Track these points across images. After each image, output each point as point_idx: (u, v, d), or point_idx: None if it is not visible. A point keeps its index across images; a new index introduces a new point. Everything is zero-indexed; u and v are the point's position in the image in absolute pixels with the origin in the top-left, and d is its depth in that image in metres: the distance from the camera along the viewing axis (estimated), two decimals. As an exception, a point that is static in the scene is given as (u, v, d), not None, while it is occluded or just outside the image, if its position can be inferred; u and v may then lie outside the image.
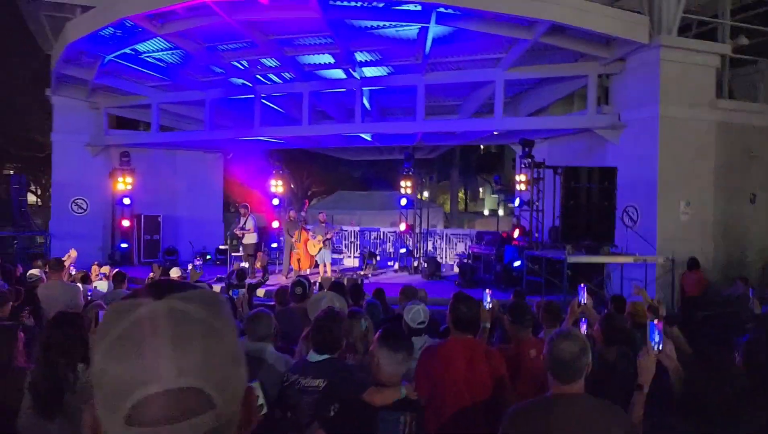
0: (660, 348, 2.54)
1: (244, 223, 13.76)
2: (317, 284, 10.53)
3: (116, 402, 0.72)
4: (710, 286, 10.59)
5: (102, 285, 8.92)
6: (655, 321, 2.56)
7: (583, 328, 4.02)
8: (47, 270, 7.11)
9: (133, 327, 0.74)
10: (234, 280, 8.58)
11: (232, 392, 0.78)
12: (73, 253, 8.80)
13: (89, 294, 7.61)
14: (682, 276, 10.94)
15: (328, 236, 13.80)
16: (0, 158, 28.60)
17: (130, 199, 15.68)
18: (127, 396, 0.71)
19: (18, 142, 24.95)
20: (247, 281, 8.35)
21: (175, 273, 9.17)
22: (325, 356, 3.11)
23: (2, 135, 24.47)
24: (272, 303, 6.89)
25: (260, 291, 10.80)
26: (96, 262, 11.54)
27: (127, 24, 11.32)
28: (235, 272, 8.73)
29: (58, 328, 2.77)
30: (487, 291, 4.16)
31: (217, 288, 10.29)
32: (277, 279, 12.97)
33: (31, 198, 31.58)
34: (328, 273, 13.40)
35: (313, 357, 3.14)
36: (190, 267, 9.78)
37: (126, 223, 15.81)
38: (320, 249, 13.72)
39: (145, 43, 12.43)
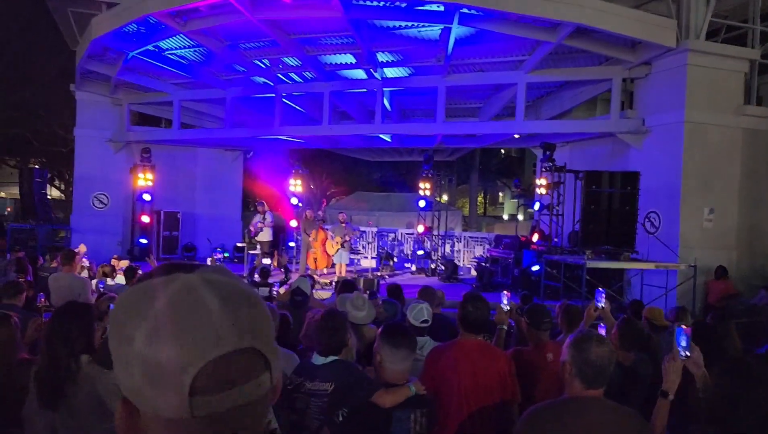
0: (688, 354, 2.44)
1: (263, 219, 13.82)
2: (334, 283, 10.52)
3: (175, 378, 0.68)
4: (734, 295, 10.37)
5: (122, 279, 8.97)
6: (683, 326, 2.46)
7: (602, 333, 3.91)
8: (56, 263, 7.16)
9: (176, 300, 0.71)
10: (257, 278, 8.54)
11: (277, 355, 0.78)
12: (83, 248, 8.85)
13: (101, 287, 7.65)
14: (708, 284, 10.74)
15: (347, 238, 13.77)
16: (24, 152, 29.06)
17: (151, 195, 15.79)
18: (187, 367, 0.68)
19: (42, 137, 25.34)
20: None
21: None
22: (331, 358, 3.00)
23: (28, 129, 24.89)
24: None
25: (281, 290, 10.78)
26: (115, 256, 11.63)
27: (151, 21, 11.41)
28: (258, 269, 8.65)
29: (62, 318, 2.75)
30: (505, 292, 4.08)
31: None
32: (294, 278, 12.95)
33: (56, 192, 32.07)
34: (344, 274, 13.37)
35: (318, 359, 3.02)
36: (209, 261, 9.80)
37: (146, 219, 15.91)
38: (338, 249, 13.70)
39: (168, 40, 12.53)
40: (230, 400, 0.70)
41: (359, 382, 2.91)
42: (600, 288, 4.22)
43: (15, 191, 29.38)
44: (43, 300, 5.54)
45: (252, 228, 14.03)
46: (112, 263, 10.68)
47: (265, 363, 0.74)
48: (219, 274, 0.77)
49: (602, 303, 4.01)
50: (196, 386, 0.68)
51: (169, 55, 13.57)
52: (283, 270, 13.76)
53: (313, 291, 6.02)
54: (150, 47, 12.82)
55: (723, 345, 3.66)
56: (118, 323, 0.73)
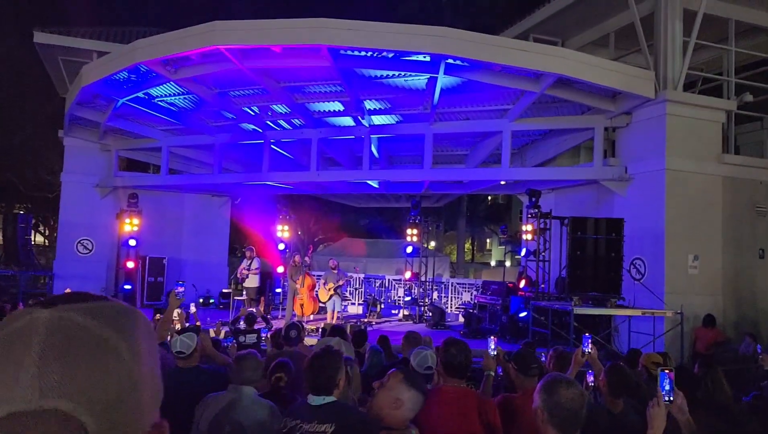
0: (671, 399, 2.43)
1: (250, 265, 13.74)
2: (321, 330, 10.39)
3: None
4: (723, 343, 10.40)
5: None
6: (666, 371, 2.45)
7: (590, 379, 3.89)
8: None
9: (3, 339, 0.63)
10: (242, 326, 8.41)
11: (121, 422, 0.65)
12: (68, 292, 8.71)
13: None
14: (696, 331, 10.76)
15: (340, 283, 13.70)
16: (10, 197, 28.89)
17: (136, 240, 15.67)
18: None
19: (29, 182, 25.26)
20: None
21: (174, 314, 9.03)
22: (329, 399, 2.93)
23: (14, 175, 24.82)
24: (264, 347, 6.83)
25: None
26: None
27: (142, 69, 11.56)
28: (243, 317, 8.52)
29: None
30: (492, 337, 4.06)
31: (221, 333, 10.12)
32: (280, 325, 12.79)
33: (39, 238, 31.76)
34: (334, 320, 13.23)
35: (315, 400, 2.93)
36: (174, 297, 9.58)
37: (131, 265, 15.74)
38: (331, 296, 13.57)
39: (158, 88, 12.67)
40: None
41: (360, 424, 2.85)
42: (586, 334, 4.22)
43: (-2, 236, 29.04)
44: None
45: (239, 274, 13.92)
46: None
47: (80, 431, 0.62)
48: (90, 315, 0.67)
49: (588, 348, 4.00)
50: None
51: (159, 102, 13.71)
52: (263, 319, 13.49)
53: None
54: (140, 94, 12.96)
55: (714, 391, 3.64)
56: None
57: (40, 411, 0.60)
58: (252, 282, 13.81)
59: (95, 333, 0.66)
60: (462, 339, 3.44)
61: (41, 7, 24.69)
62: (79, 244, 16.07)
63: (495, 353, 4.01)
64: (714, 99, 11.85)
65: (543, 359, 5.63)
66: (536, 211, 12.57)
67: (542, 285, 12.50)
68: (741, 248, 11.57)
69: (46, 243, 32.56)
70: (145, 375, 0.69)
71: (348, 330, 10.19)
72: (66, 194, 16.41)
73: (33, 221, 19.93)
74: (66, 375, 0.62)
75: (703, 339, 10.56)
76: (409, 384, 2.76)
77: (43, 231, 32.89)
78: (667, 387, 2.44)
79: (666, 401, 2.42)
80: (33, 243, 18.85)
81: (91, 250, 16.15)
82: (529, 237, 13.04)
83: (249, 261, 13.81)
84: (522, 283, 13.38)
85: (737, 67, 12.60)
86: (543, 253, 12.53)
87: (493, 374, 3.96)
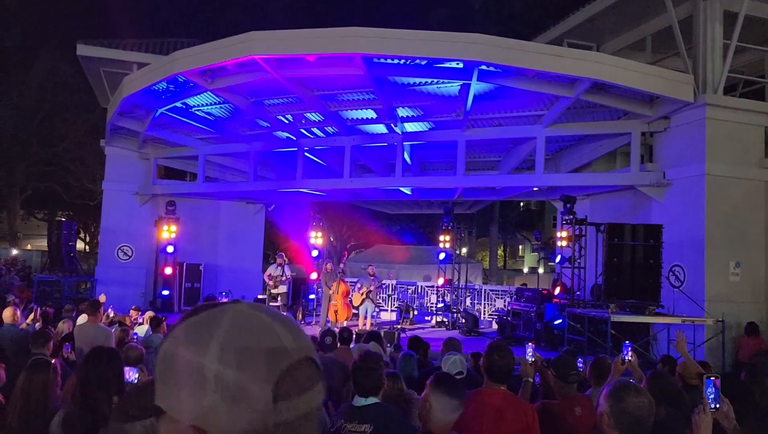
0: (718, 406, 2.39)
1: (283, 271, 13.91)
2: (354, 335, 10.45)
3: (259, 389, 0.72)
4: (766, 352, 10.09)
5: (141, 330, 9.01)
6: (713, 378, 2.42)
7: (631, 387, 3.83)
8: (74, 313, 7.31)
9: (238, 322, 0.77)
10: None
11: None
12: (102, 298, 8.99)
13: (135, 337, 7.73)
14: (739, 340, 10.47)
15: (371, 288, 13.77)
16: (53, 205, 29.82)
17: (174, 247, 16.00)
18: (269, 377, 0.73)
19: (71, 191, 26.06)
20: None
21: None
22: (371, 400, 3.08)
23: (58, 183, 25.67)
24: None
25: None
26: (134, 307, 11.70)
27: (180, 79, 11.84)
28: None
29: (95, 363, 2.80)
30: (530, 344, 4.04)
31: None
32: (315, 331, 12.91)
33: (80, 245, 32.63)
34: (367, 326, 13.29)
35: (359, 401, 3.10)
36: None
37: (169, 271, 16.08)
38: (363, 300, 13.67)
39: (195, 98, 12.96)
40: (305, 405, 0.75)
41: (398, 425, 2.93)
42: (626, 342, 4.17)
43: (40, 243, 29.99)
44: (70, 350, 5.62)
45: (266, 279, 14.16)
46: (131, 313, 10.76)
47: (320, 373, 0.78)
48: (256, 305, 0.83)
49: (629, 356, 3.95)
50: (278, 393, 0.73)
51: (195, 112, 14.00)
52: None
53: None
54: (178, 104, 13.26)
55: (761, 400, 3.57)
56: (179, 356, 0.75)
57: (304, 359, 0.78)
58: (281, 289, 14.04)
59: (277, 311, 0.85)
60: (505, 344, 3.46)
61: (83, 21, 25.55)
62: (119, 251, 16.48)
63: (533, 360, 3.99)
64: (756, 102, 11.55)
65: (580, 367, 5.57)
66: (571, 217, 12.43)
67: (578, 293, 12.33)
68: (786, 255, 11.22)
69: (87, 250, 33.45)
70: None
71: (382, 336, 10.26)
72: (107, 202, 16.86)
73: (76, 228, 20.52)
74: (299, 333, 0.81)
75: (746, 348, 10.28)
76: (435, 388, 2.77)
77: (84, 237, 33.80)
78: (713, 395, 2.40)
79: (712, 408, 2.38)
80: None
81: (131, 256, 16.55)
82: (564, 243, 12.88)
83: (281, 268, 13.98)
84: (557, 290, 13.23)
85: (780, 69, 12.28)
86: (578, 260, 12.37)
87: (531, 381, 3.94)
